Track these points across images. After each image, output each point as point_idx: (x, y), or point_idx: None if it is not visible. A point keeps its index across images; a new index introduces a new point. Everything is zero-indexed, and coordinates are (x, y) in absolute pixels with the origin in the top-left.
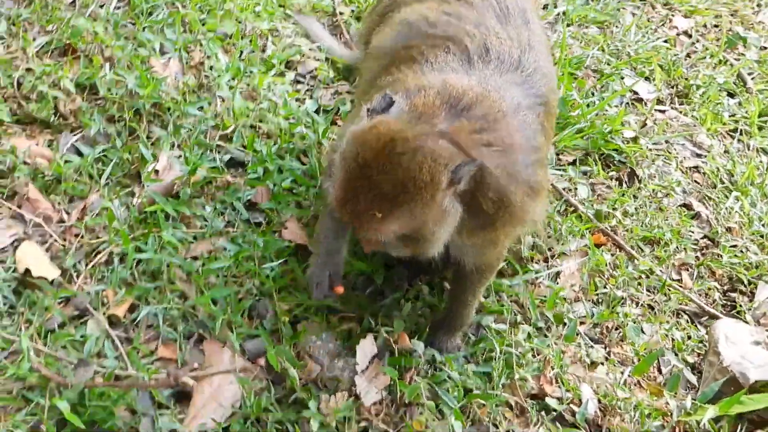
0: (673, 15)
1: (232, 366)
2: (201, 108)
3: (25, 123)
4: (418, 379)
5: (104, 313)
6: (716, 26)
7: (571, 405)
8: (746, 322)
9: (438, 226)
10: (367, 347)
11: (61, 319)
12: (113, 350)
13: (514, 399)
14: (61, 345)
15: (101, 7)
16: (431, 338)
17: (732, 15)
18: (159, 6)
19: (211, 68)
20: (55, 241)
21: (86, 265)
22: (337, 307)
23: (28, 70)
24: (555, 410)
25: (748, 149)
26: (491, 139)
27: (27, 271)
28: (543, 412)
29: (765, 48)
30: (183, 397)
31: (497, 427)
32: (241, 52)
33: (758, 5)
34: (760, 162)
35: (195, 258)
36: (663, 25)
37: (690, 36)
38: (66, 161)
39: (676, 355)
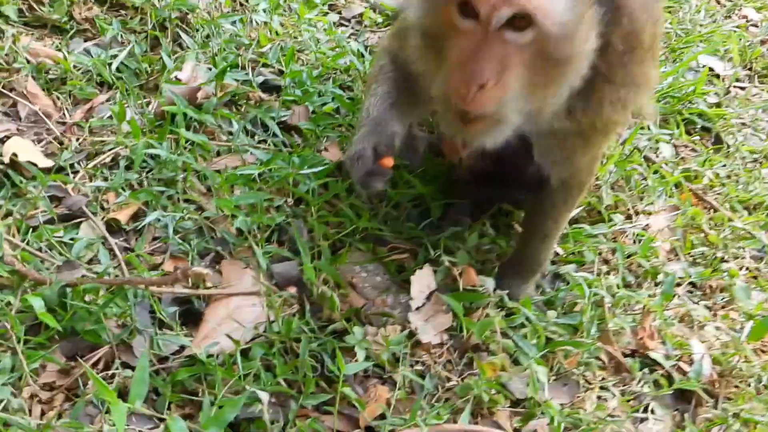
0: (741, 7)
1: (255, 288)
2: (234, 23)
3: (34, 26)
4: (491, 313)
5: (103, 218)
6: None
7: (680, 363)
8: None
9: (589, 34)
10: (423, 280)
11: (48, 215)
12: (109, 257)
13: (609, 351)
14: (45, 244)
15: None
16: (501, 281)
17: None
18: None
19: (248, 1)
20: (54, 139)
21: (86, 164)
22: (386, 236)
23: None
24: (659, 366)
25: None
26: None
27: (14, 164)
28: (646, 370)
29: None
30: (191, 317)
31: (589, 383)
32: None
33: None
34: None
35: (218, 172)
36: (730, 15)
37: (758, 27)
38: (75, 65)
39: None
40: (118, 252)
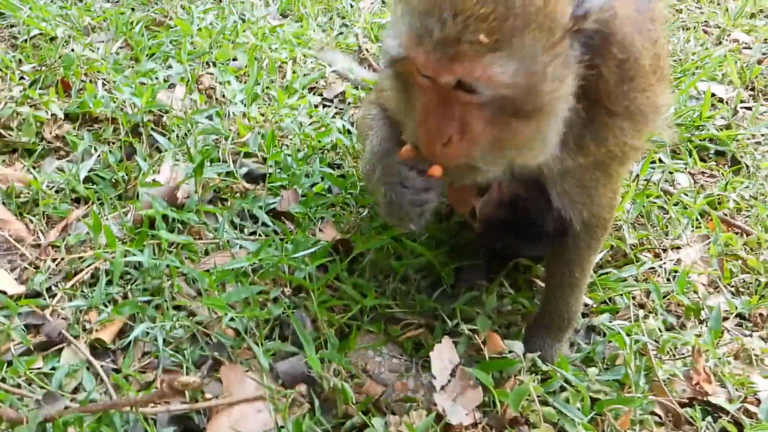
0: (729, 32)
1: (259, 392)
2: (210, 118)
3: (2, 153)
4: (525, 380)
5: (86, 341)
6: None
7: (746, 404)
8: None
9: (559, 86)
10: (444, 355)
11: (24, 346)
12: (95, 382)
13: (664, 403)
14: (23, 379)
15: (96, 50)
16: (530, 344)
17: None
18: (164, 43)
19: (223, 95)
20: (29, 264)
21: (64, 285)
22: (397, 314)
23: (12, 98)
24: (724, 411)
25: None
26: None
27: None
28: (709, 419)
29: None
30: None
31: None
32: (258, 81)
33: None
34: None
35: (207, 272)
36: (721, 41)
37: (750, 48)
38: (47, 184)
39: None
40: (104, 375)
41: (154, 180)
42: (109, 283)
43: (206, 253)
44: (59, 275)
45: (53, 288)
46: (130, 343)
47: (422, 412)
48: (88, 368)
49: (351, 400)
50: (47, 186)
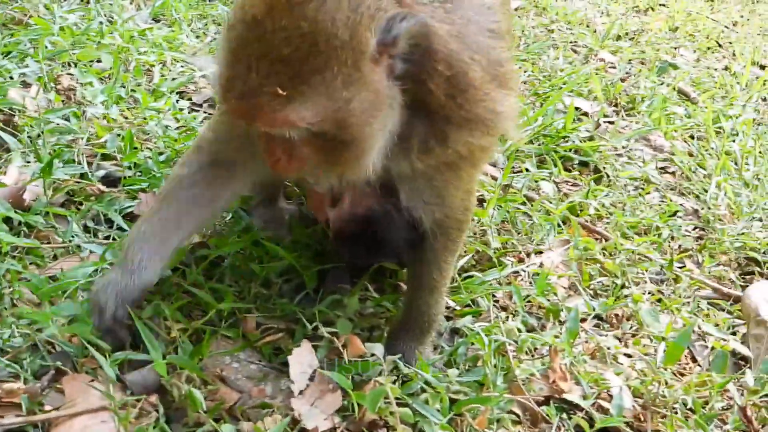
0: (597, 52)
1: (104, 402)
2: (66, 118)
3: None
4: (383, 381)
5: None
6: (642, 62)
7: (599, 401)
8: None
9: (372, 117)
10: (303, 359)
11: None
12: None
13: (521, 401)
14: None
15: None
16: (392, 347)
17: (656, 51)
18: (21, 41)
19: (83, 97)
20: None
21: None
22: (257, 318)
23: None
24: (578, 408)
25: (709, 151)
26: None
27: None
28: (564, 416)
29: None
30: None
31: None
32: (123, 84)
33: (675, 48)
34: (731, 156)
35: (53, 279)
36: (588, 60)
37: (615, 67)
38: None
39: (713, 332)
40: None
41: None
42: None
43: (55, 258)
44: None
45: None
46: None
47: (277, 417)
48: None
49: (201, 407)
50: None
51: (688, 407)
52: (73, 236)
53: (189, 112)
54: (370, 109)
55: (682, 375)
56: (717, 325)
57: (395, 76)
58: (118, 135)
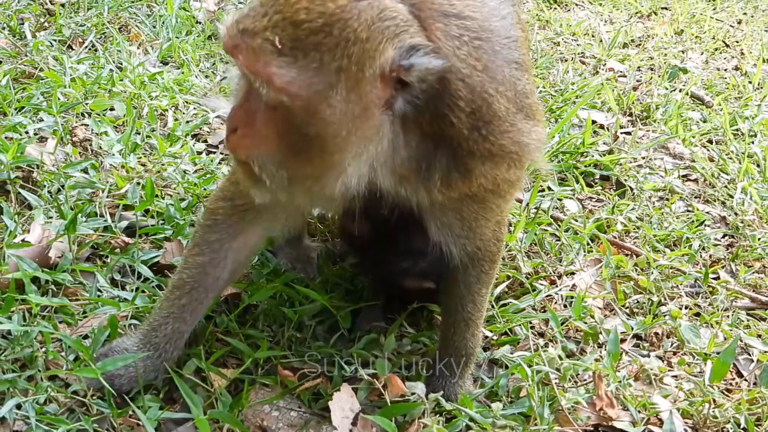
0: (605, 62)
1: None
2: (85, 170)
3: None
4: (428, 422)
5: None
6: (651, 68)
7: (649, 426)
8: None
9: (349, 128)
10: (344, 403)
11: None
12: None
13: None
14: None
15: None
16: (432, 383)
17: (664, 56)
18: (34, 95)
19: (100, 147)
20: None
21: None
22: (293, 363)
23: None
24: None
25: (729, 155)
26: (463, 10)
27: None
28: None
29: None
30: None
31: None
32: (137, 130)
33: (682, 51)
34: (753, 158)
35: (86, 337)
36: (598, 71)
37: (626, 76)
38: None
39: (756, 344)
40: None
41: (23, 240)
42: None
43: (84, 314)
44: None
45: None
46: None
47: None
48: None
49: None
50: None
51: (741, 426)
52: (100, 291)
53: (206, 155)
54: (350, 116)
55: (729, 391)
56: (759, 336)
57: (394, 111)
58: (138, 184)
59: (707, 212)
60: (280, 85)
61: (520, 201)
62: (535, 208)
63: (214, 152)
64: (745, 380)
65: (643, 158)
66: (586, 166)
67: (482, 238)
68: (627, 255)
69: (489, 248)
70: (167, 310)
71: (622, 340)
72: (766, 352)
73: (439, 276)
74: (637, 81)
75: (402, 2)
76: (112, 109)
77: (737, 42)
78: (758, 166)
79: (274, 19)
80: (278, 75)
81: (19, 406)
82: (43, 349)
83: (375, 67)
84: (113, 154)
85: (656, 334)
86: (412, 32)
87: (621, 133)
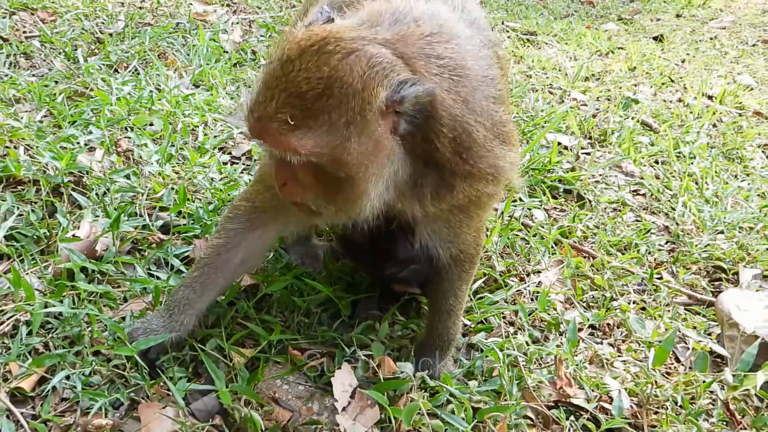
0: (569, 93)
1: (175, 427)
2: (128, 176)
3: None
4: (415, 396)
5: (6, 390)
6: (608, 99)
7: (601, 403)
8: None
9: (369, 162)
10: (344, 379)
11: None
12: (14, 428)
13: (534, 407)
14: None
15: (20, 119)
16: (419, 364)
17: (619, 88)
18: (85, 111)
19: (140, 157)
20: None
21: None
22: (302, 344)
23: None
24: (584, 410)
25: (673, 174)
26: (442, 52)
27: None
28: (572, 418)
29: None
30: None
31: None
32: (172, 143)
33: (635, 85)
34: (693, 177)
35: (123, 319)
36: (563, 100)
37: (587, 105)
38: None
39: (692, 334)
40: (23, 421)
41: (74, 235)
42: (30, 333)
43: (125, 300)
44: None
45: None
46: (48, 391)
47: None
48: (8, 416)
49: (260, 427)
50: None
51: (678, 404)
52: (132, 279)
53: (230, 165)
54: (367, 154)
55: (669, 374)
56: (695, 327)
57: (399, 133)
58: (172, 189)
59: (653, 222)
60: (304, 153)
61: (496, 210)
62: (509, 216)
63: (237, 163)
64: (682, 365)
65: (600, 175)
66: (552, 181)
67: (464, 242)
68: (585, 257)
69: (469, 251)
70: (183, 280)
71: (580, 330)
72: (700, 341)
73: (422, 284)
74: (596, 109)
75: (385, 47)
76: (151, 125)
77: (681, 78)
78: (697, 183)
79: (281, 99)
80: (299, 146)
81: (67, 377)
82: (89, 329)
83: (375, 110)
84: (151, 163)
85: (608, 324)
86: (398, 70)
87: (582, 153)
